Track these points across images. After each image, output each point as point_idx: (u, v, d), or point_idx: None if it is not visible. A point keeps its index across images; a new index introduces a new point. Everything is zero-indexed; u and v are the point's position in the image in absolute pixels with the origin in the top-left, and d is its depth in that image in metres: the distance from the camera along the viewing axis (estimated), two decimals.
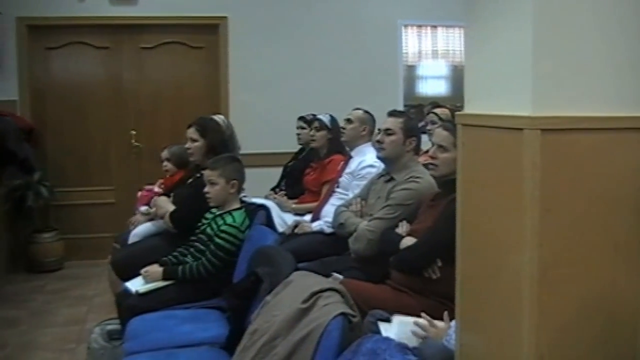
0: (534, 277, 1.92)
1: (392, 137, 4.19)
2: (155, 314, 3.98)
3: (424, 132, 5.26)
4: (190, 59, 7.96)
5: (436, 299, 3.33)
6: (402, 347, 2.65)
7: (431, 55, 8.44)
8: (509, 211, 2.02)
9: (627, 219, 2.02)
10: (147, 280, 4.26)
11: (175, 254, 4.44)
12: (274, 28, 7.84)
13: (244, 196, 4.87)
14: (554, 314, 1.96)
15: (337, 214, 4.44)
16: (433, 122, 5.64)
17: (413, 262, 3.55)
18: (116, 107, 7.80)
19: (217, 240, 4.24)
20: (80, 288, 6.66)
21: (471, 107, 2.32)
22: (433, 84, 8.52)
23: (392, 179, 4.22)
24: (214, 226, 4.33)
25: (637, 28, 2.03)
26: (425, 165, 4.12)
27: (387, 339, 2.77)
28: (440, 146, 3.65)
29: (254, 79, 7.77)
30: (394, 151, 4.21)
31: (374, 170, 4.85)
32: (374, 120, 5.34)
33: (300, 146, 6.52)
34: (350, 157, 5.32)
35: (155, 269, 4.28)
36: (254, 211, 4.83)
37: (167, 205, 4.91)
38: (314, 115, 6.06)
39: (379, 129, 4.51)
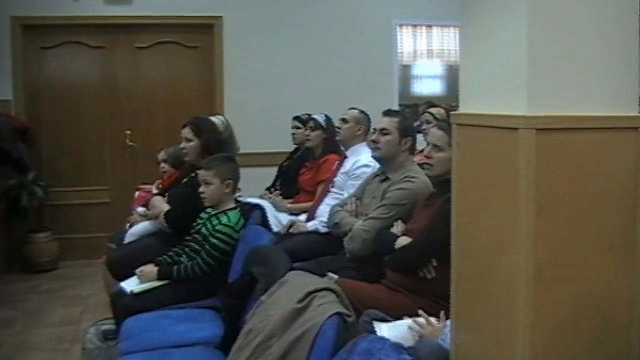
0: (530, 277, 1.93)
1: (388, 137, 4.19)
2: (150, 314, 3.98)
3: (420, 132, 5.26)
4: (185, 58, 7.94)
5: (431, 299, 3.33)
6: (398, 347, 2.65)
7: (426, 55, 8.44)
8: (504, 211, 2.02)
9: (622, 218, 2.02)
10: (142, 280, 4.25)
11: (170, 254, 4.43)
12: (269, 28, 7.84)
13: (240, 196, 4.86)
14: (549, 313, 1.96)
15: (332, 213, 4.44)
16: (428, 122, 5.65)
17: (408, 262, 3.55)
18: (111, 107, 7.78)
19: (213, 240, 4.23)
20: (75, 288, 6.64)
21: (466, 107, 2.32)
22: (428, 83, 8.52)
23: (387, 178, 4.22)
24: (209, 226, 4.33)
25: (633, 28, 2.04)
26: (421, 165, 4.12)
27: (383, 338, 2.77)
28: (435, 146, 3.65)
29: (249, 79, 7.76)
30: (390, 151, 4.21)
31: (369, 170, 4.85)
32: (369, 120, 5.34)
33: (295, 146, 6.51)
34: (346, 157, 5.32)
35: (151, 269, 4.28)
36: (249, 211, 4.83)
37: (162, 205, 4.91)
38: (309, 115, 6.06)
39: (374, 129, 4.51)
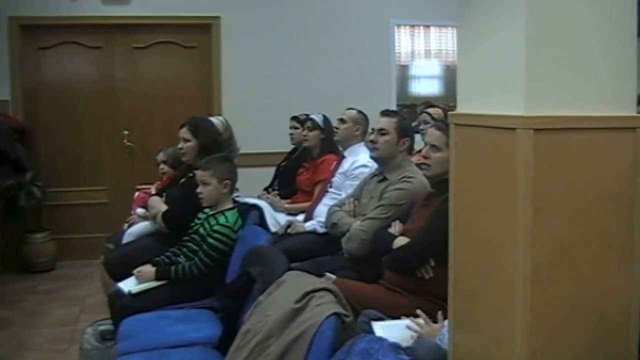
0: (527, 277, 1.93)
1: (386, 137, 4.19)
2: (148, 315, 3.97)
3: (417, 132, 5.26)
4: (183, 58, 7.93)
5: (429, 299, 3.33)
6: (395, 347, 2.65)
7: (424, 55, 8.45)
8: (501, 211, 2.02)
9: (619, 218, 2.03)
10: (140, 280, 4.25)
11: (167, 254, 4.43)
12: (266, 28, 7.83)
13: (237, 196, 4.86)
14: (547, 313, 1.96)
15: (330, 213, 4.44)
16: (426, 122, 5.64)
17: (406, 262, 3.55)
18: (109, 107, 7.77)
19: (210, 240, 4.23)
20: (72, 288, 6.63)
21: (464, 107, 2.32)
22: (426, 83, 8.52)
23: (385, 178, 4.22)
24: (207, 226, 4.33)
25: (630, 28, 2.04)
26: (418, 165, 4.12)
27: (380, 338, 2.77)
28: (433, 146, 3.65)
29: (246, 79, 7.76)
30: (388, 151, 4.21)
31: (366, 170, 4.85)
32: (367, 120, 5.34)
33: (293, 146, 6.51)
34: (343, 157, 5.32)
35: (148, 269, 4.27)
36: (247, 211, 4.82)
37: (159, 205, 4.90)
38: (306, 115, 6.06)
39: (372, 129, 4.51)
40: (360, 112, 5.38)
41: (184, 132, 4.96)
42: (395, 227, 3.82)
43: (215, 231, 4.25)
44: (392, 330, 2.97)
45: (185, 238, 4.46)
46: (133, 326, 3.85)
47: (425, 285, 3.44)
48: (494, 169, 2.07)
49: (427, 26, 8.38)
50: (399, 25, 8.26)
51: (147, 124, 7.81)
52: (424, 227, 3.54)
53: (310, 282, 3.12)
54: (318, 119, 5.72)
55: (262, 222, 4.94)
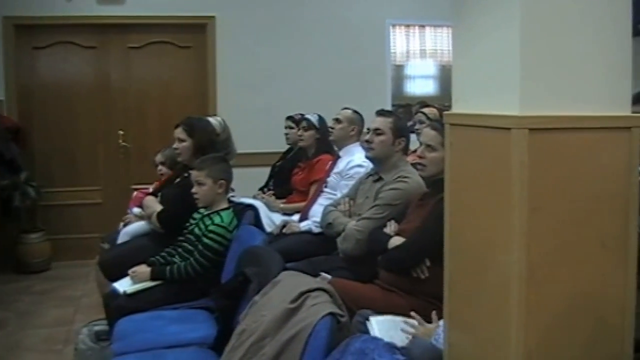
0: (522, 277, 1.93)
1: (382, 137, 4.19)
2: (143, 315, 3.97)
3: (412, 132, 5.26)
4: (178, 58, 7.92)
5: (425, 299, 3.33)
6: (391, 347, 2.65)
7: (419, 54, 8.45)
8: (496, 211, 2.02)
9: (615, 218, 2.03)
10: (135, 280, 4.24)
11: (163, 254, 4.42)
12: (261, 28, 7.83)
13: (232, 196, 4.86)
14: (542, 313, 1.96)
15: (325, 213, 4.44)
16: (421, 122, 5.65)
17: (401, 262, 3.55)
18: (104, 107, 7.76)
19: (205, 240, 4.23)
20: (67, 289, 6.63)
21: (459, 107, 2.32)
22: (421, 83, 8.53)
23: (380, 178, 4.22)
24: (202, 226, 4.32)
25: (625, 27, 2.04)
26: (414, 165, 4.12)
27: (376, 338, 2.77)
28: (428, 146, 3.64)
29: (241, 79, 7.76)
30: (383, 151, 4.20)
31: (362, 170, 4.85)
32: (362, 120, 5.34)
33: (288, 146, 6.51)
34: (339, 157, 5.32)
35: (143, 269, 4.27)
36: (242, 211, 4.83)
37: (154, 205, 4.90)
38: (302, 114, 6.06)
39: (368, 129, 4.51)
40: (355, 112, 5.38)
41: (179, 132, 4.95)
42: (391, 227, 3.82)
43: (211, 231, 4.25)
44: (386, 325, 2.97)
45: (181, 238, 4.46)
46: (128, 326, 3.84)
47: (420, 285, 3.43)
48: (489, 169, 2.07)
49: (423, 26, 8.38)
50: (394, 25, 8.26)
51: (142, 124, 7.81)
52: (420, 227, 3.54)
53: (305, 282, 3.12)
54: (313, 118, 5.72)
55: (258, 222, 4.95)
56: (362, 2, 8.12)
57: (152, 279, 4.23)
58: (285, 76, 7.85)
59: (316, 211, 4.91)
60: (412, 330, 2.91)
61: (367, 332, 3.01)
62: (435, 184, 3.47)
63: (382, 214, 3.97)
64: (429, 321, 2.98)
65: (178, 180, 5.01)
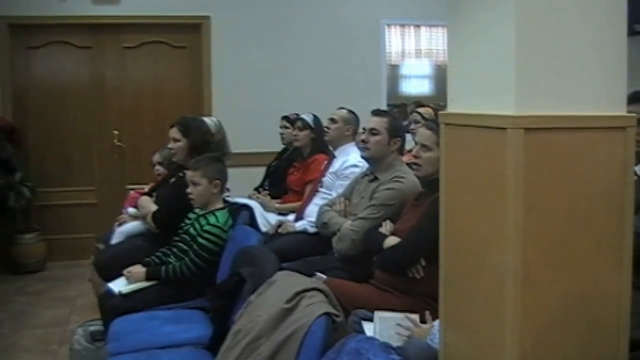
0: (518, 277, 1.93)
1: (377, 137, 4.18)
2: (138, 315, 3.96)
3: (408, 132, 5.26)
4: (172, 58, 7.91)
5: (420, 299, 3.33)
6: (386, 347, 2.65)
7: (414, 54, 8.45)
8: (492, 210, 2.02)
9: (610, 217, 2.03)
10: (130, 280, 4.24)
11: (158, 254, 4.42)
12: (256, 27, 7.82)
13: (227, 196, 4.86)
14: (538, 313, 1.96)
15: (320, 213, 4.44)
16: (416, 122, 5.66)
17: (397, 262, 3.54)
18: (98, 107, 7.74)
19: (200, 240, 4.22)
20: (62, 289, 6.61)
21: (454, 107, 2.32)
22: (416, 83, 8.53)
23: (376, 178, 4.21)
24: (197, 226, 4.32)
25: (621, 27, 2.05)
26: (409, 165, 4.12)
27: (371, 338, 2.77)
28: (423, 145, 3.64)
29: (236, 79, 7.75)
30: (379, 151, 4.20)
31: (357, 170, 4.84)
32: (358, 120, 5.34)
33: (283, 146, 6.50)
34: (334, 157, 5.32)
35: (138, 269, 4.26)
36: (237, 211, 4.82)
37: (149, 205, 4.89)
38: (297, 114, 6.05)
39: (363, 128, 4.51)
40: (351, 111, 5.38)
41: (174, 132, 4.95)
42: (386, 227, 3.82)
43: (206, 231, 4.24)
44: (390, 322, 2.98)
45: (176, 238, 4.45)
46: (123, 327, 3.84)
47: (416, 285, 3.43)
48: (485, 169, 2.07)
49: (418, 26, 8.38)
50: (389, 25, 8.27)
51: (137, 124, 7.79)
52: (415, 226, 3.54)
53: (300, 282, 3.12)
54: (308, 118, 5.71)
55: (253, 222, 4.95)
56: (357, 2, 8.12)
57: (147, 279, 4.23)
58: (280, 76, 7.84)
59: (311, 211, 4.91)
60: (406, 333, 2.91)
61: (362, 331, 3.01)
62: (431, 183, 3.47)
63: (378, 214, 3.97)
64: (424, 321, 2.98)
65: (173, 180, 5.00)
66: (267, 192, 5.90)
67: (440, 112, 2.48)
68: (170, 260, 4.31)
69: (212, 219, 4.30)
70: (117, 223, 5.50)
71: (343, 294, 3.26)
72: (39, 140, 7.61)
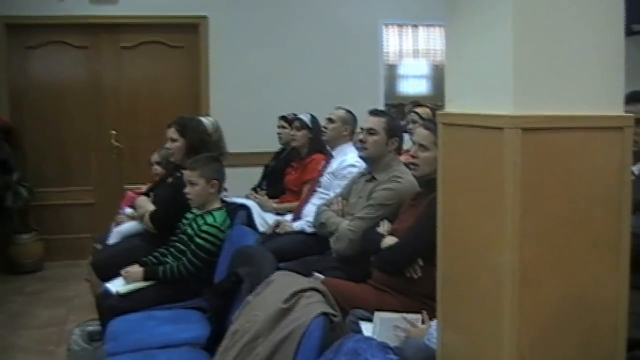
0: (515, 277, 1.93)
1: (375, 137, 4.18)
2: (135, 315, 3.96)
3: (405, 132, 5.26)
4: (170, 58, 7.90)
5: (418, 299, 3.32)
6: (384, 347, 2.65)
7: (412, 54, 8.44)
8: (489, 210, 2.02)
9: (607, 218, 2.03)
10: (128, 280, 4.24)
11: (155, 254, 4.41)
12: (254, 28, 7.81)
13: (225, 196, 4.85)
14: (535, 313, 1.96)
15: (318, 213, 4.44)
16: (414, 121, 5.66)
17: (394, 262, 3.54)
18: (96, 107, 7.74)
19: (198, 240, 4.22)
20: (60, 289, 6.61)
21: (452, 106, 2.32)
22: (414, 83, 8.52)
23: (373, 178, 4.21)
24: (195, 226, 4.31)
25: (619, 26, 2.05)
26: (406, 165, 4.11)
27: (369, 338, 2.77)
28: (421, 145, 3.64)
29: (234, 79, 7.74)
30: (376, 151, 4.20)
31: (355, 169, 4.84)
32: (355, 120, 5.34)
33: (281, 146, 6.50)
34: (331, 157, 5.32)
35: (136, 269, 4.26)
36: (235, 211, 4.82)
37: (147, 205, 4.89)
38: (294, 114, 6.06)
39: (361, 128, 4.51)
40: (348, 111, 5.38)
41: (172, 132, 4.95)
42: (384, 227, 3.82)
43: (203, 231, 4.24)
44: (390, 322, 2.98)
45: (173, 238, 4.45)
46: (121, 327, 3.84)
47: (413, 285, 3.43)
48: (482, 169, 2.06)
49: (415, 26, 8.38)
50: (386, 25, 8.26)
51: (135, 124, 7.78)
52: (413, 226, 3.53)
53: (298, 282, 3.12)
54: (306, 118, 5.72)
55: (250, 222, 4.95)
56: (355, 2, 8.12)
57: (145, 279, 4.22)
58: (278, 76, 7.84)
59: (309, 211, 4.91)
60: (402, 334, 2.91)
61: (360, 331, 3.01)
62: (428, 183, 3.46)
63: (375, 214, 3.97)
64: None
65: (171, 180, 5.00)
66: (264, 192, 5.90)
67: (437, 112, 2.48)
68: (168, 260, 4.31)
69: (209, 219, 4.29)
70: (114, 223, 5.50)
71: (341, 294, 3.26)
72: (36, 140, 7.60)
